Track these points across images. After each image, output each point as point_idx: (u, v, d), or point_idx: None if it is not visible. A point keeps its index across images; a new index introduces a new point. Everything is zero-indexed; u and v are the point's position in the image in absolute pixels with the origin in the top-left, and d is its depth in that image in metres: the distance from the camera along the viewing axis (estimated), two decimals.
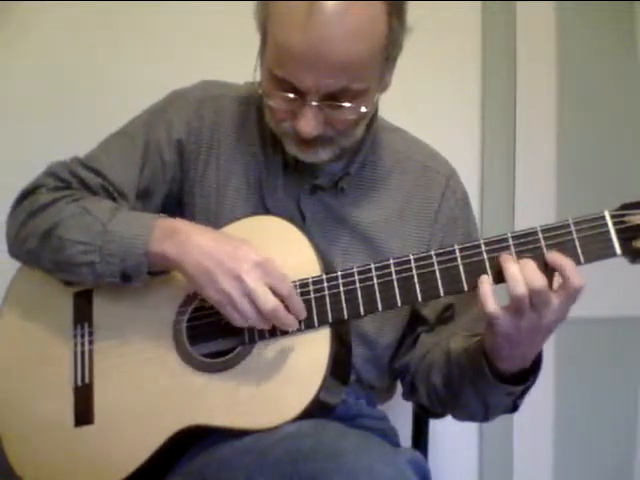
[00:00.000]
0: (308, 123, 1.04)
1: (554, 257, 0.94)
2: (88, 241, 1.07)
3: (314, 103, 1.03)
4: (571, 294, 0.93)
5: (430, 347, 1.18)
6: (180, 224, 1.08)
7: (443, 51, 1.76)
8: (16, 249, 1.17)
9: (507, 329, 0.95)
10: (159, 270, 1.08)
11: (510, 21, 1.79)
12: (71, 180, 1.18)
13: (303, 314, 1.03)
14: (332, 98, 1.03)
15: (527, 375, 1.03)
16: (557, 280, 0.94)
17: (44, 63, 1.67)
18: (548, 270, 0.94)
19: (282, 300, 1.01)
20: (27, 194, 1.18)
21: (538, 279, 0.92)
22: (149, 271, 1.07)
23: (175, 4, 1.67)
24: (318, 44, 0.98)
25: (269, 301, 0.99)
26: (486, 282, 0.96)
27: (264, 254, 1.05)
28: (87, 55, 1.67)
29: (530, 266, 0.93)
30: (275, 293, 1.01)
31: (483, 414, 1.12)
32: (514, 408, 1.10)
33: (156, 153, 1.20)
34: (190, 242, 1.04)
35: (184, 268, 1.04)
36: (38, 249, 1.12)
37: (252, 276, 1.00)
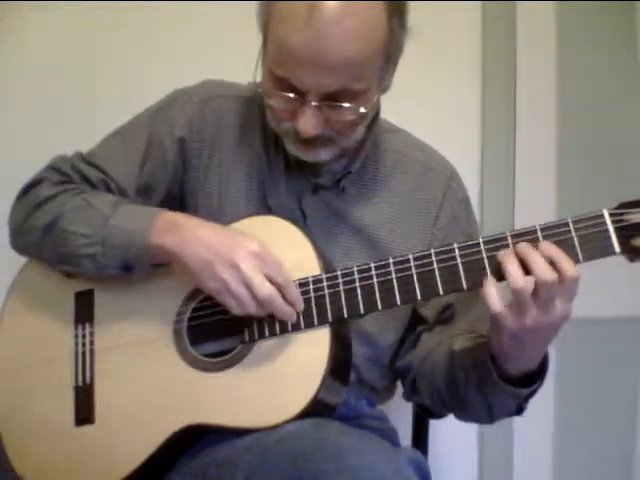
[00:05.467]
0: (307, 123, 1.04)
1: (548, 248, 0.94)
2: (90, 233, 1.09)
3: (314, 103, 1.03)
4: (569, 287, 0.93)
5: (432, 348, 1.18)
6: (181, 218, 1.09)
7: (443, 51, 1.76)
8: (19, 241, 1.19)
9: (512, 327, 0.94)
10: (159, 262, 1.09)
11: (510, 21, 1.79)
12: (73, 174, 1.19)
13: (300, 305, 1.04)
14: (332, 98, 1.03)
15: (533, 378, 1.03)
16: None
17: (44, 63, 1.67)
18: None
19: (280, 290, 1.02)
20: (29, 188, 1.19)
21: (550, 272, 0.92)
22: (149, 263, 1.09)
23: (175, 4, 1.67)
24: (318, 44, 0.98)
25: (265, 288, 1.01)
26: (491, 284, 0.95)
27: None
28: (87, 55, 1.67)
29: (538, 258, 0.93)
30: (272, 282, 1.02)
31: (487, 416, 1.11)
32: (519, 411, 1.09)
33: (158, 151, 1.20)
34: (190, 235, 1.05)
35: (183, 260, 1.05)
36: (40, 241, 1.14)
37: (249, 264, 1.01)
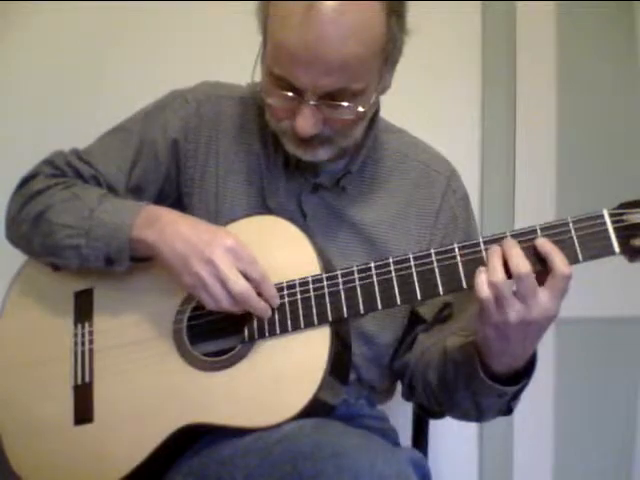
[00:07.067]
0: (306, 122, 1.04)
1: (543, 243, 0.94)
2: (75, 225, 1.11)
3: (312, 102, 1.03)
4: (559, 284, 0.93)
5: (428, 346, 1.18)
6: (163, 212, 1.10)
7: (443, 51, 1.76)
8: (13, 233, 1.21)
9: (495, 320, 0.95)
10: (142, 256, 1.10)
11: (510, 21, 1.79)
12: (66, 169, 1.21)
13: (276, 300, 1.05)
14: (330, 97, 1.03)
15: (519, 377, 1.03)
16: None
17: (44, 63, 1.67)
18: (540, 263, 0.94)
19: (255, 286, 1.03)
20: (25, 181, 1.22)
21: (523, 265, 0.92)
22: (132, 257, 1.10)
23: (175, 4, 1.67)
24: (315, 43, 0.98)
25: (239, 284, 1.02)
26: (483, 272, 0.96)
27: (265, 254, 1.06)
28: (87, 55, 1.67)
29: (516, 252, 0.94)
30: (248, 278, 1.03)
31: (476, 414, 1.11)
32: (508, 411, 1.10)
33: (150, 151, 1.21)
34: (169, 229, 1.06)
35: (161, 254, 1.06)
36: (30, 233, 1.16)
37: (224, 260, 1.02)
